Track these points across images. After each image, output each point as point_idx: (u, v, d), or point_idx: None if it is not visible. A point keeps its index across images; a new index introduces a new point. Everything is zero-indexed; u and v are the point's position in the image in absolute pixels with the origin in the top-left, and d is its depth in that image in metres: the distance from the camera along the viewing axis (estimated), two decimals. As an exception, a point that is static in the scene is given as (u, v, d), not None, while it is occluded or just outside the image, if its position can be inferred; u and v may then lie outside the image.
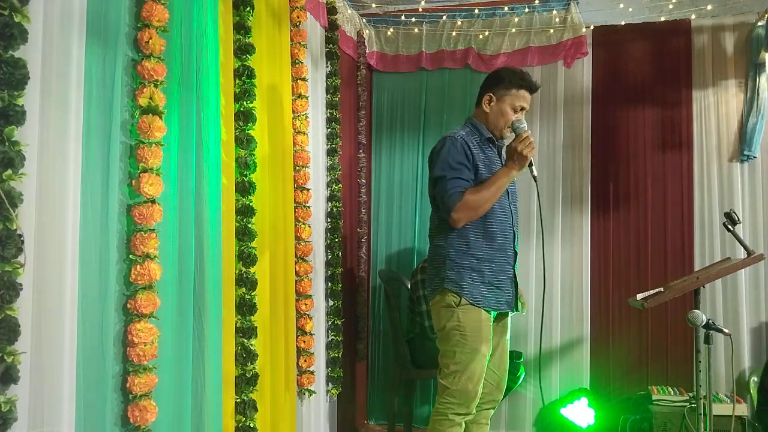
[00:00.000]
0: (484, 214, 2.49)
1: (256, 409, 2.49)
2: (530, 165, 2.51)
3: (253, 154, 2.56)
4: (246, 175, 2.53)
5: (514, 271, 2.62)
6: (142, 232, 1.91)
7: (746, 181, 3.97)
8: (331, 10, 3.66)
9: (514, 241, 2.62)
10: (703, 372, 2.58)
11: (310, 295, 3.24)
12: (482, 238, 2.52)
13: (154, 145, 1.95)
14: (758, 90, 3.89)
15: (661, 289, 2.75)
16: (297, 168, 3.15)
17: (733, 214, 2.65)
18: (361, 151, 4.21)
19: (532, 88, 2.59)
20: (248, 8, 2.57)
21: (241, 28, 2.55)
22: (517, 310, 2.63)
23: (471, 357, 2.45)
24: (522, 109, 2.58)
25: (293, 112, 3.13)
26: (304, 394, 3.24)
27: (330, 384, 3.62)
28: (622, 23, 4.13)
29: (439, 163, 2.50)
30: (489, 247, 2.52)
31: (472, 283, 2.48)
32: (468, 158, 2.49)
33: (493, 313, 2.54)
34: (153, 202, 1.95)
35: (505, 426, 4.13)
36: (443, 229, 2.54)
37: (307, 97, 3.21)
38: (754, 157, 3.91)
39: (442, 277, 2.51)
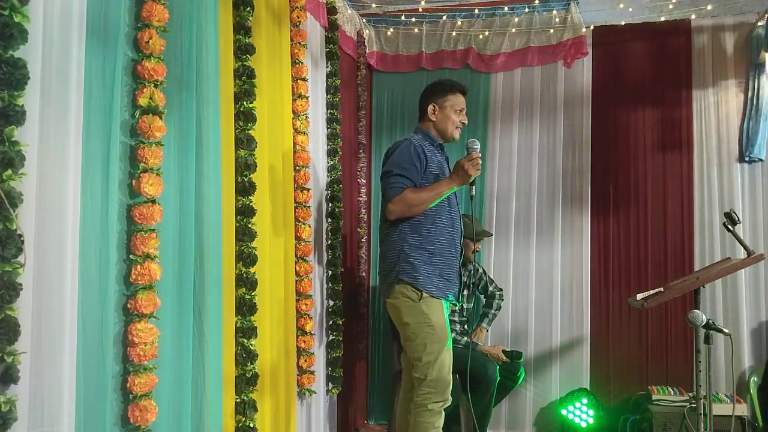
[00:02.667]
0: (436, 210, 2.67)
1: (256, 409, 2.49)
2: (471, 183, 2.66)
3: (253, 154, 2.56)
4: (246, 175, 2.53)
5: (459, 265, 2.79)
6: (143, 232, 1.91)
7: (746, 182, 3.98)
8: (331, 10, 3.66)
9: (460, 238, 2.81)
10: (703, 372, 2.58)
11: (310, 295, 3.24)
12: (434, 233, 2.68)
13: (154, 145, 1.95)
14: (758, 91, 3.89)
15: (661, 289, 2.75)
16: (297, 168, 3.15)
17: (733, 214, 2.65)
18: (361, 151, 4.21)
19: (464, 91, 2.87)
20: (248, 8, 2.57)
21: (241, 28, 2.55)
22: (459, 301, 2.82)
23: (440, 346, 2.61)
24: (462, 110, 2.84)
25: (293, 112, 3.13)
26: (304, 394, 3.24)
27: (330, 384, 3.62)
28: (622, 23, 4.13)
29: (390, 162, 2.71)
30: (440, 242, 2.69)
31: (425, 276, 2.64)
32: (421, 160, 2.68)
33: (445, 303, 2.70)
34: (153, 202, 1.95)
35: (505, 426, 4.13)
36: (396, 223, 2.68)
37: (307, 98, 3.21)
38: (761, 159, 3.91)
39: (397, 270, 2.66)
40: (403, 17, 4.32)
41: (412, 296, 2.63)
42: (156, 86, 1.97)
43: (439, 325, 2.62)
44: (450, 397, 2.67)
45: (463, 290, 2.81)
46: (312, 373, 3.25)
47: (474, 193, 2.73)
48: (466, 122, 2.89)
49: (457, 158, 2.68)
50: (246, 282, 2.51)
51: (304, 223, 3.18)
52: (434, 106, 2.82)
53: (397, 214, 2.64)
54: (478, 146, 2.65)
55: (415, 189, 2.65)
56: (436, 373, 2.60)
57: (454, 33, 4.32)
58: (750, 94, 3.93)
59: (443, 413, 2.66)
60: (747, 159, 3.94)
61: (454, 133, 2.85)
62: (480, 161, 2.63)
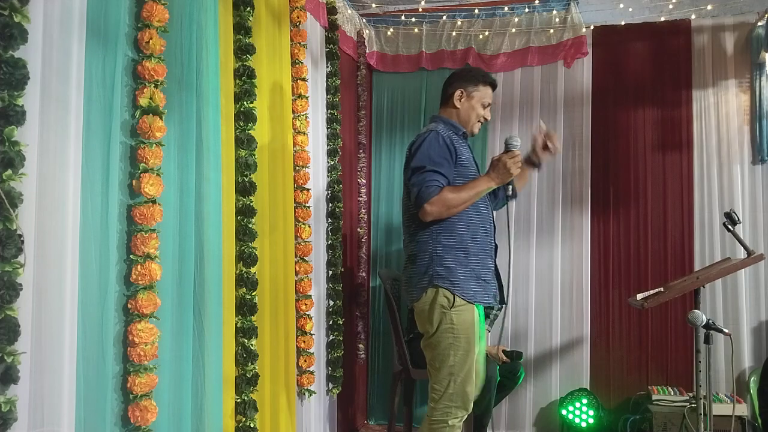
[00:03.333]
0: (469, 207, 2.47)
1: (256, 409, 2.50)
2: (510, 182, 2.51)
3: (253, 154, 2.56)
4: (246, 175, 2.53)
5: (495, 264, 2.62)
6: (143, 233, 1.91)
7: (746, 182, 3.97)
8: (331, 10, 3.67)
9: (493, 234, 2.63)
10: (703, 372, 2.58)
11: (310, 295, 3.24)
12: (468, 231, 2.50)
13: (154, 145, 1.95)
14: (760, 91, 3.89)
15: (661, 289, 2.75)
16: (297, 168, 3.15)
17: (733, 214, 2.65)
18: (361, 151, 4.21)
19: (494, 85, 2.69)
20: (248, 8, 2.57)
21: (241, 28, 2.55)
22: (504, 303, 2.65)
23: (464, 358, 2.44)
24: (489, 105, 2.67)
25: (293, 112, 3.13)
26: (304, 394, 3.24)
27: (330, 384, 3.62)
28: (622, 23, 4.13)
29: (419, 155, 2.48)
30: (474, 241, 2.51)
31: (462, 279, 2.45)
32: (451, 153, 2.49)
33: (481, 308, 2.54)
34: (153, 202, 1.95)
35: (505, 426, 4.13)
36: (427, 224, 2.48)
37: (307, 98, 3.21)
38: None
39: (430, 275, 2.46)
40: (403, 17, 4.32)
41: (443, 302, 2.43)
42: (156, 86, 1.97)
43: (465, 336, 2.43)
44: (470, 408, 2.50)
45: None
46: (312, 373, 3.25)
47: (511, 192, 2.55)
48: (489, 119, 2.71)
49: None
50: (246, 282, 2.51)
51: (304, 223, 3.18)
52: (462, 92, 2.62)
53: (435, 216, 2.42)
54: (518, 143, 2.48)
55: (453, 188, 2.44)
56: (458, 386, 2.43)
57: (454, 33, 4.32)
58: (755, 95, 3.92)
59: (461, 427, 2.51)
60: (760, 161, 3.92)
61: (475, 126, 2.66)
62: (521, 159, 2.46)
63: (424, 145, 2.49)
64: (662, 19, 4.03)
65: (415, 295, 2.52)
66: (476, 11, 4.23)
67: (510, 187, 2.53)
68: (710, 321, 2.56)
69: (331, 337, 3.64)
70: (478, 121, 2.66)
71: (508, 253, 2.68)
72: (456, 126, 2.63)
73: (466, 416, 2.50)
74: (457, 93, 2.63)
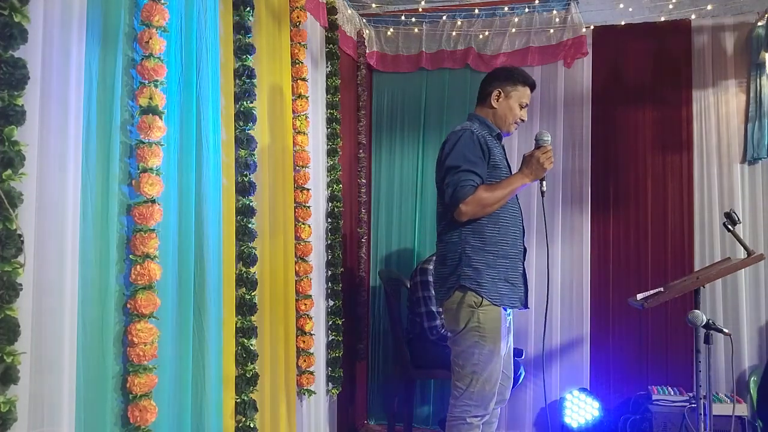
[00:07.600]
0: (499, 208, 2.46)
1: (256, 409, 2.50)
2: (542, 179, 2.50)
3: (253, 154, 2.56)
4: (246, 175, 2.53)
5: (524, 267, 2.61)
6: (142, 232, 1.91)
7: (746, 182, 3.97)
8: (331, 10, 3.66)
9: (523, 237, 2.62)
10: (703, 372, 2.58)
11: (310, 295, 3.24)
12: (497, 233, 2.49)
13: (154, 145, 1.95)
14: (759, 91, 3.89)
15: (661, 289, 2.74)
16: (297, 168, 3.15)
17: (733, 214, 2.64)
18: (361, 151, 4.21)
19: (533, 86, 2.66)
20: (248, 8, 2.57)
21: (241, 28, 2.55)
22: (527, 306, 2.63)
23: (489, 358, 2.44)
24: (526, 105, 2.64)
25: (293, 112, 3.13)
26: (304, 394, 3.24)
27: (330, 384, 3.62)
28: (622, 23, 4.13)
29: (454, 154, 2.45)
30: (504, 243, 2.50)
31: (490, 281, 2.45)
32: (484, 153, 2.47)
33: (507, 311, 2.53)
34: (153, 202, 1.95)
35: (505, 426, 4.13)
36: (456, 225, 2.47)
37: (307, 97, 3.21)
38: (764, 157, 3.90)
39: (458, 275, 2.45)
40: (403, 17, 4.32)
41: (470, 302, 2.43)
42: (156, 86, 1.97)
43: (491, 336, 2.43)
44: (491, 411, 2.51)
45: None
46: (312, 373, 3.25)
47: (545, 188, 2.53)
48: (525, 119, 2.68)
49: None
50: (246, 282, 2.52)
51: (304, 223, 3.18)
52: (500, 92, 2.59)
53: (470, 216, 2.41)
54: (549, 138, 2.48)
55: (488, 187, 2.42)
56: (480, 386, 2.43)
57: (454, 33, 4.32)
58: (752, 95, 3.92)
59: (480, 427, 2.51)
60: (751, 160, 3.93)
61: (511, 127, 2.63)
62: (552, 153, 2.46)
63: (459, 144, 2.46)
64: (662, 19, 4.03)
65: (444, 295, 2.52)
66: (476, 11, 4.23)
67: (544, 183, 2.51)
68: (710, 321, 2.56)
69: (331, 337, 3.64)
70: (515, 122, 2.63)
71: (546, 252, 2.67)
72: (491, 127, 2.61)
73: (487, 416, 2.50)
74: (495, 93, 2.60)
